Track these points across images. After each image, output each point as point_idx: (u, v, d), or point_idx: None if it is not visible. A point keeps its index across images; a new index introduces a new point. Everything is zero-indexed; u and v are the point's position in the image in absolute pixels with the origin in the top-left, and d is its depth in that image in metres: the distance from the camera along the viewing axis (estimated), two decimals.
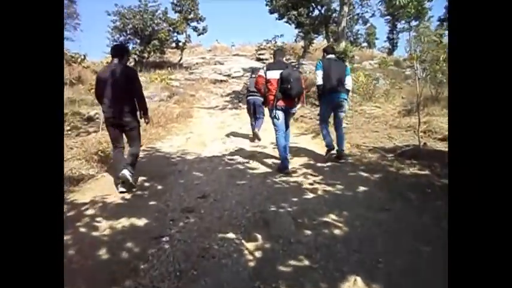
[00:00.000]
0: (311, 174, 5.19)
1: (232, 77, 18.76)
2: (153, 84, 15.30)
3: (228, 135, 9.02)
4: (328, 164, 5.74)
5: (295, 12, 16.59)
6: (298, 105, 5.40)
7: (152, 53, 20.16)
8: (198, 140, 8.50)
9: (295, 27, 17.38)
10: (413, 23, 25.76)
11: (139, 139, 4.73)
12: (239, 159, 6.45)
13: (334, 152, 5.53)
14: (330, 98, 5.46)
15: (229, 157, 6.64)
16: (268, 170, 5.59)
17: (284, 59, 5.87)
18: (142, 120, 4.76)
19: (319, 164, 5.77)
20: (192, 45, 24.39)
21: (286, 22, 17.36)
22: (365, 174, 5.06)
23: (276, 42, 15.57)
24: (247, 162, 6.12)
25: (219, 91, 16.97)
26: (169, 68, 18.93)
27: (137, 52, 19.81)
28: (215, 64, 20.85)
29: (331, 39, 13.39)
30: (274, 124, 5.20)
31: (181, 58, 20.17)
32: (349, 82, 5.52)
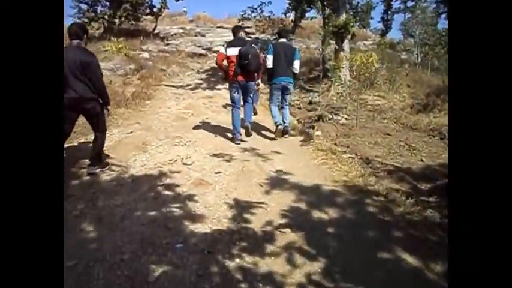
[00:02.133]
0: None
1: (213, 51, 15.55)
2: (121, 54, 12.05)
3: (188, 131, 6.13)
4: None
5: None
6: (258, 81, 5.54)
7: (124, 19, 16.66)
8: (141, 137, 5.57)
9: None
10: (410, 3, 22.56)
11: (104, 125, 4.30)
12: (186, 185, 3.73)
13: (281, 127, 5.66)
14: (278, 81, 5.49)
15: (169, 180, 3.91)
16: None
17: (242, 34, 5.73)
18: None
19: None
20: (173, 14, 20.83)
21: None
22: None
23: (262, 11, 12.52)
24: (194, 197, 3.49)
25: (195, 66, 13.84)
26: (141, 37, 15.56)
27: (105, 17, 16.30)
28: (195, 36, 17.52)
29: (328, 11, 10.26)
30: (231, 99, 5.36)
31: (155, 26, 16.73)
32: (296, 65, 5.58)
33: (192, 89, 10.44)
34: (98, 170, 4.15)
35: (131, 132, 5.95)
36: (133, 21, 17.11)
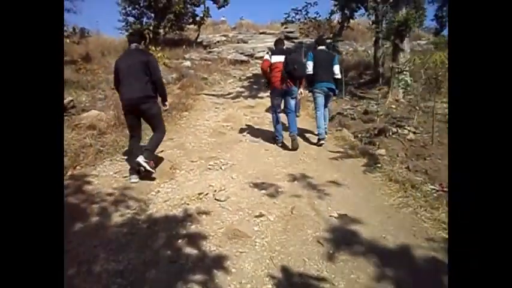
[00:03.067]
0: None
1: (255, 58, 14.49)
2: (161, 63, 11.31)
3: (225, 149, 5.01)
4: None
5: None
6: (300, 89, 5.30)
7: (168, 29, 16.11)
8: (171, 158, 4.52)
9: None
10: None
11: (163, 125, 4.16)
12: (216, 236, 2.67)
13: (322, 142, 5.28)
14: (319, 87, 5.28)
15: (195, 227, 2.85)
16: None
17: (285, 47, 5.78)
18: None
19: None
20: (215, 22, 20.08)
21: None
22: None
23: (307, 12, 11.12)
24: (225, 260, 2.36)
25: (237, 73, 12.80)
26: (184, 46, 14.86)
27: (151, 28, 15.83)
28: (238, 43, 16.54)
29: (382, 7, 8.71)
30: (273, 107, 5.26)
31: (198, 35, 15.96)
32: (337, 71, 5.36)
33: (233, 98, 9.37)
34: (144, 163, 3.74)
35: (161, 152, 4.94)
36: (177, 31, 16.55)
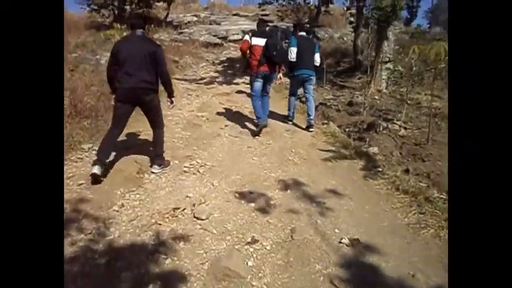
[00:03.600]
0: None
1: (229, 41, 13.53)
2: None
3: (202, 146, 4.26)
4: None
5: None
6: (280, 74, 5.09)
7: (135, 6, 14.67)
8: (137, 159, 3.70)
9: None
10: None
11: (162, 119, 3.67)
12: (199, 278, 1.71)
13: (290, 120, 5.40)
14: (301, 73, 5.09)
15: (169, 263, 1.89)
16: None
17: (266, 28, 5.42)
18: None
19: None
20: (186, 1, 18.72)
21: None
22: None
23: None
24: None
25: (210, 57, 11.84)
26: (152, 26, 13.55)
27: (115, 3, 14.35)
28: (210, 24, 15.42)
29: None
30: (252, 88, 4.90)
31: (168, 13, 14.64)
32: (317, 59, 5.24)
33: (206, 84, 8.50)
34: (160, 170, 3.53)
35: (127, 149, 4.12)
36: (144, 8, 15.13)
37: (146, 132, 4.69)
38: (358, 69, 9.39)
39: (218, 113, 5.91)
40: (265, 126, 4.77)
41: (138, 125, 5.10)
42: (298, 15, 11.14)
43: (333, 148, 4.34)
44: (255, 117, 4.97)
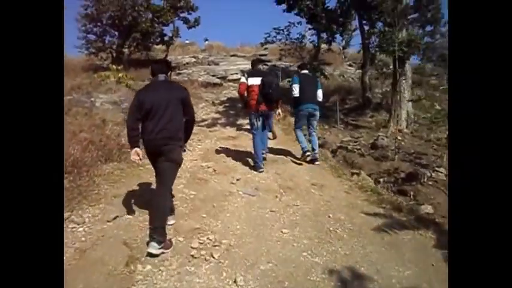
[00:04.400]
0: None
1: (229, 80, 12.82)
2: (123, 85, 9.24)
3: (212, 213, 3.16)
4: None
5: (309, 2, 10.54)
6: (278, 110, 4.92)
7: (133, 48, 14.10)
8: (127, 236, 2.59)
9: (308, 22, 11.31)
10: (429, 28, 19.86)
11: (172, 180, 2.89)
12: None
13: (309, 153, 4.99)
14: (305, 108, 4.97)
15: None
16: None
17: (260, 67, 5.30)
18: None
19: None
20: (185, 44, 18.28)
21: (297, 14, 11.21)
22: None
23: (289, 32, 9.53)
24: None
25: (210, 97, 10.99)
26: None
27: (114, 47, 13.75)
28: (208, 64, 14.81)
29: (387, 21, 7.41)
30: (252, 127, 4.71)
31: (166, 55, 14.00)
32: (320, 94, 5.11)
33: (208, 126, 7.53)
34: (160, 251, 2.51)
35: (115, 219, 3.01)
36: (143, 51, 14.55)
37: (138, 194, 3.61)
38: (367, 107, 8.57)
39: (226, 162, 4.87)
40: (261, 168, 4.49)
41: (131, 180, 4.03)
42: (301, 54, 10.48)
43: (381, 211, 3.27)
44: (254, 161, 4.65)
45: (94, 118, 8.30)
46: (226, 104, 10.01)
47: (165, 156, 2.76)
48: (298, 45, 9.91)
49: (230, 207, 3.36)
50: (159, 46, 14.73)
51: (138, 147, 2.78)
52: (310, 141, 5.05)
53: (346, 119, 8.04)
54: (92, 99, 10.10)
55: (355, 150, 5.39)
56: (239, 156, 5.22)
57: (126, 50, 14.41)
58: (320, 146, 5.89)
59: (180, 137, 2.89)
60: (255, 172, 4.48)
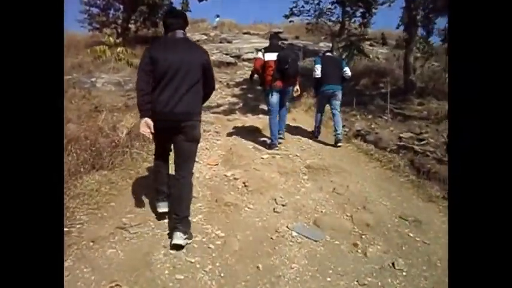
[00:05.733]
0: None
1: (243, 59, 11.08)
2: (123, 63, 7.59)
3: (251, 273, 1.62)
4: None
5: None
6: (296, 87, 4.29)
7: (140, 24, 12.29)
8: None
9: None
10: None
11: (194, 163, 2.32)
12: None
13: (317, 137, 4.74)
14: (326, 89, 4.56)
15: None
16: None
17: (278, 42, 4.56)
18: None
19: None
20: (194, 20, 16.34)
21: None
22: None
23: (319, 2, 7.49)
24: None
25: (224, 78, 9.29)
26: None
27: (118, 22, 11.97)
28: (221, 42, 12.98)
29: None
30: (269, 104, 4.15)
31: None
32: (348, 72, 4.65)
33: (225, 113, 5.94)
34: (185, 242, 2.10)
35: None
36: (150, 27, 12.71)
37: (136, 230, 2.10)
38: (410, 91, 6.87)
39: (258, 170, 3.32)
40: (276, 147, 4.01)
41: (124, 201, 2.52)
42: (331, 29, 8.67)
43: None
44: (268, 138, 4.18)
45: (92, 102, 6.75)
46: (243, 86, 8.35)
47: (184, 135, 2.15)
48: (325, 20, 8.05)
49: (285, 271, 1.84)
50: None
51: (150, 116, 2.09)
52: (334, 121, 4.53)
53: (385, 104, 6.38)
54: (93, 79, 8.46)
55: (428, 153, 3.78)
56: (274, 158, 3.67)
57: (132, 26, 12.61)
58: (373, 143, 4.31)
59: (200, 111, 2.27)
60: (304, 189, 2.95)
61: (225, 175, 3.20)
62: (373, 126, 5.13)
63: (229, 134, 4.66)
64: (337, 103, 4.57)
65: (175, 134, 2.14)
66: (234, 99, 7.23)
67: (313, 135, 4.77)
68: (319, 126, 4.79)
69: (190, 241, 2.13)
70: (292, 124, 5.30)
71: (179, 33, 2.16)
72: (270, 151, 3.89)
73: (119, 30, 12.26)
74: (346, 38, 7.72)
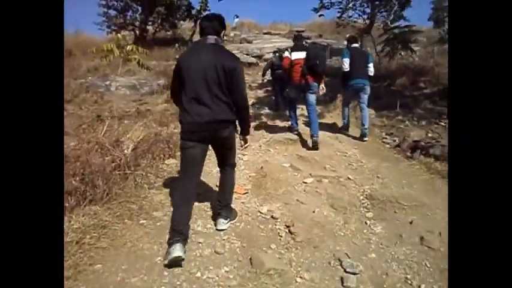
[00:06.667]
0: None
1: (265, 60, 10.10)
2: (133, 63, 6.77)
3: None
4: None
5: None
6: (322, 85, 4.01)
7: (158, 25, 11.55)
8: None
9: None
10: None
11: (235, 156, 2.18)
12: None
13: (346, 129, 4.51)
14: (355, 84, 4.26)
15: None
16: None
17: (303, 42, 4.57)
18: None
19: None
20: None
21: None
22: None
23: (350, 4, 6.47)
24: None
25: (247, 79, 8.33)
26: (177, 45, 10.30)
27: (136, 23, 11.28)
28: (241, 43, 12.05)
29: None
30: (289, 100, 4.18)
31: (194, 31, 11.26)
32: (371, 68, 4.37)
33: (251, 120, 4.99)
34: (228, 225, 2.10)
35: None
36: (168, 28, 11.92)
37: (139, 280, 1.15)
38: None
39: (303, 203, 2.33)
40: (316, 143, 3.57)
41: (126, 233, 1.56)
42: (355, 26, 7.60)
43: None
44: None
45: (103, 107, 5.96)
46: (268, 88, 7.37)
47: (223, 144, 1.97)
48: (358, 13, 6.94)
49: None
50: (186, 23, 12.06)
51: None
52: (361, 116, 4.33)
53: (435, 109, 5.23)
54: (108, 82, 7.74)
55: None
56: (321, 184, 2.66)
57: (150, 28, 11.88)
58: (441, 158, 3.23)
59: (233, 119, 1.93)
60: (375, 237, 1.93)
61: (259, 212, 2.23)
62: (430, 134, 4.02)
63: (258, 148, 3.69)
64: (365, 97, 4.30)
65: (208, 143, 1.95)
66: (258, 105, 6.26)
67: (342, 128, 4.54)
68: (348, 121, 4.53)
69: (235, 220, 2.15)
70: (330, 132, 4.28)
71: (210, 39, 1.91)
72: (313, 173, 2.88)
73: (137, 32, 11.56)
74: (389, 30, 6.56)
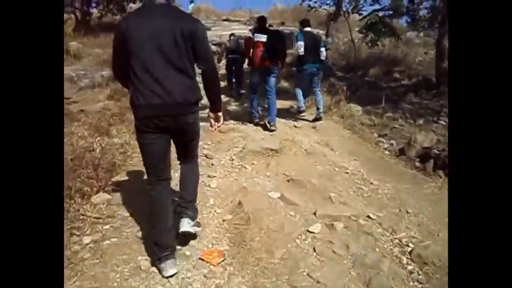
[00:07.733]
0: None
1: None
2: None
3: None
4: None
5: None
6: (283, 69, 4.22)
7: (104, 8, 9.72)
8: None
9: None
10: None
11: (197, 149, 1.75)
12: None
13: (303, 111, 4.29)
14: (308, 68, 4.14)
15: None
16: None
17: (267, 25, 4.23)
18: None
19: None
20: None
21: None
22: None
23: None
24: None
25: None
26: None
27: (77, 5, 9.34)
28: None
29: None
30: (252, 85, 3.91)
31: None
32: (324, 53, 4.25)
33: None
34: (194, 229, 1.67)
35: None
36: (116, 12, 10.06)
37: None
38: (443, 84, 5.04)
39: (320, 283, 1.32)
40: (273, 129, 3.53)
41: None
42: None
43: None
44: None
45: None
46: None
47: (186, 133, 1.52)
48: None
49: None
50: (136, 5, 10.29)
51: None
52: (315, 100, 4.27)
53: (424, 103, 4.52)
54: None
55: None
56: (336, 233, 1.67)
57: (94, 11, 9.95)
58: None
59: (200, 97, 1.47)
60: None
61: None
62: (436, 137, 3.23)
63: (229, 163, 2.60)
64: (318, 81, 4.31)
65: (167, 132, 1.46)
66: (225, 97, 5.11)
67: (299, 110, 4.29)
68: (303, 102, 4.29)
69: (199, 229, 1.70)
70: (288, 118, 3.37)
71: None
72: (318, 210, 1.87)
73: (78, 16, 9.57)
74: (372, 14, 5.71)
